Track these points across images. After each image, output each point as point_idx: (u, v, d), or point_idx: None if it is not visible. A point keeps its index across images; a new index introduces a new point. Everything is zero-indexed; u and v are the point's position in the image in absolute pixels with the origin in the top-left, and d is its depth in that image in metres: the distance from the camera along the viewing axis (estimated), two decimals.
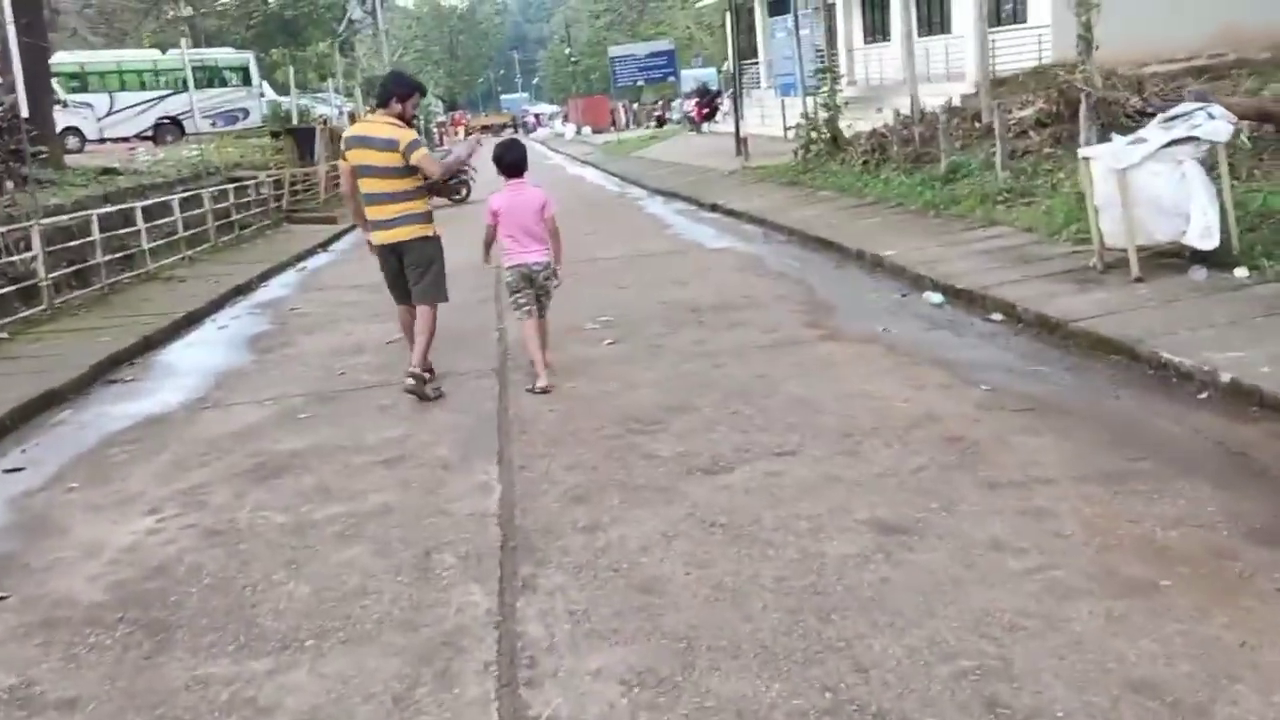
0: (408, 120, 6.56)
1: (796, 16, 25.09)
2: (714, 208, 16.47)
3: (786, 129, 26.84)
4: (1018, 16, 23.64)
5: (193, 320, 10.37)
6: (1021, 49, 22.31)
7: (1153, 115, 12.39)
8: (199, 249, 15.44)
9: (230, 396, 7.13)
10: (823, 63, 26.16)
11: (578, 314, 8.67)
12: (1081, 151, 7.29)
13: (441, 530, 4.25)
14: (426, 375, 6.49)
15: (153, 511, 4.90)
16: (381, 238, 6.71)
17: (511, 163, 6.53)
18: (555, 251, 6.66)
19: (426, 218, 6.70)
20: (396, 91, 6.55)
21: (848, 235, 11.00)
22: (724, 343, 7.20)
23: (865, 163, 16.45)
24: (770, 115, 28.51)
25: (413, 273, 6.72)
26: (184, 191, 16.70)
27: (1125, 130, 11.90)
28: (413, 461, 5.21)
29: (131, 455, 5.89)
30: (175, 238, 14.79)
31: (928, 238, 10.19)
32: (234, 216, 17.91)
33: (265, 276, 13.50)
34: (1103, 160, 6.94)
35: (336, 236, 18.77)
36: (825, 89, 18.66)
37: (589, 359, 7.08)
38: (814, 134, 18.49)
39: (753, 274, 10.06)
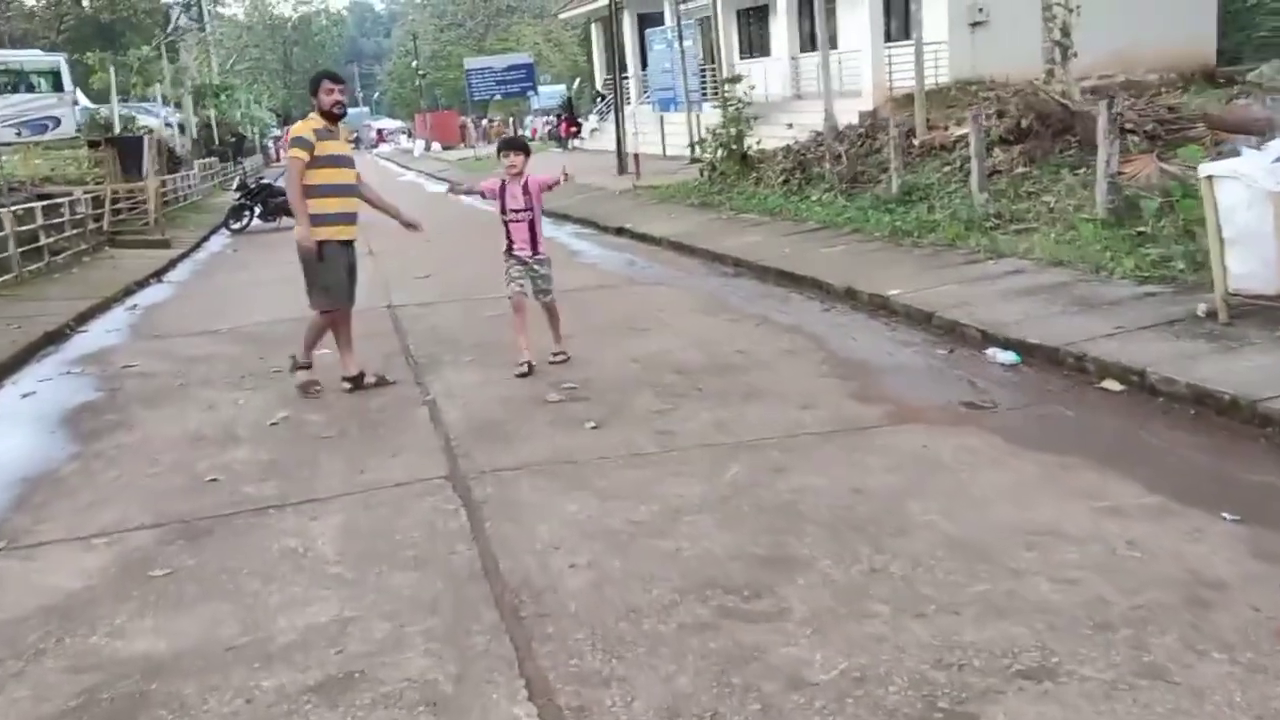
0: (323, 112, 6.36)
1: (680, 27, 23.54)
2: (621, 231, 14.54)
3: (665, 146, 25.32)
4: (909, 33, 22.72)
5: None
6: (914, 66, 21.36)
7: (1133, 132, 11.22)
8: None
9: (38, 526, 4.70)
10: (704, 77, 24.79)
11: (532, 377, 6.58)
12: (1204, 169, 5.71)
13: None
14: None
15: None
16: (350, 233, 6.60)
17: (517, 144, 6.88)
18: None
19: None
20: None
21: (819, 268, 9.24)
22: (757, 425, 5.25)
23: (785, 182, 14.87)
24: (646, 132, 26.87)
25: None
26: None
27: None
28: (371, 688, 3.02)
29: None
30: None
31: (926, 271, 8.53)
32: (43, 240, 14.83)
33: (85, 318, 10.74)
34: (1244, 180, 5.35)
35: (172, 263, 15.88)
36: (731, 102, 16.98)
37: (578, 456, 5.00)
38: (721, 151, 16.78)
39: (724, 318, 8.16)
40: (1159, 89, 14.41)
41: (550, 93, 51.30)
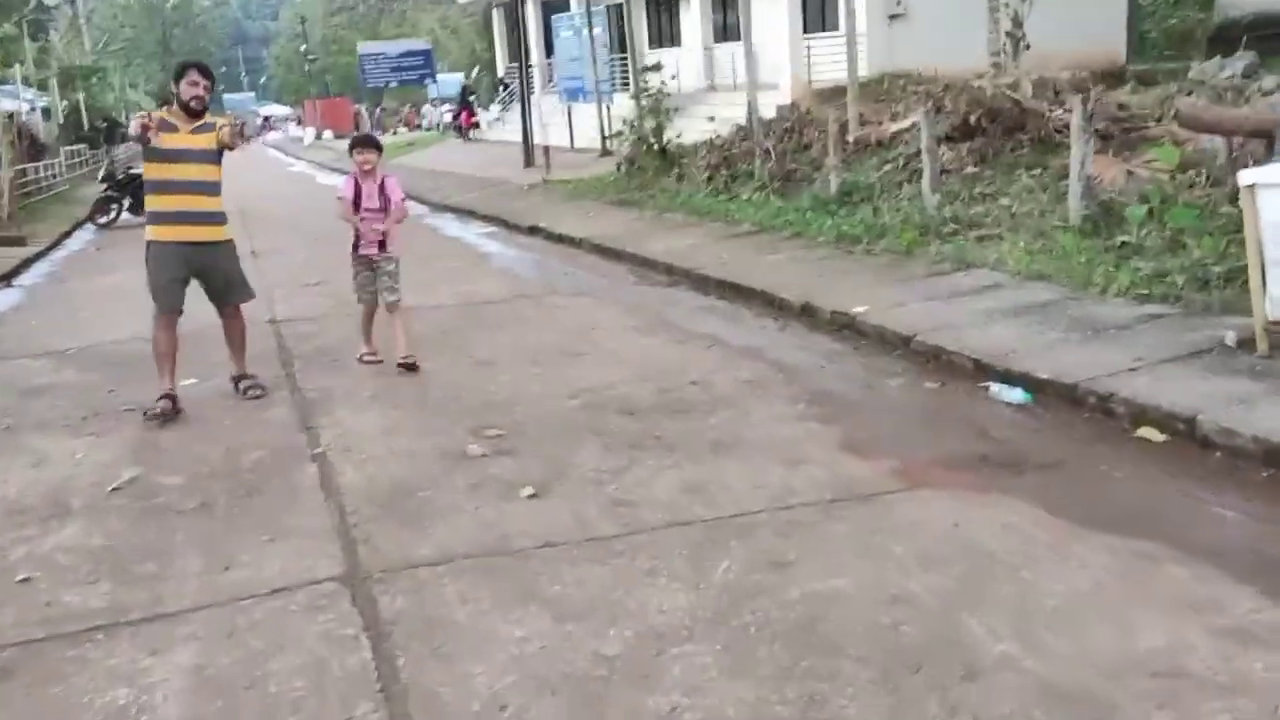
0: (181, 103, 5.85)
1: (590, 13, 22.38)
2: (534, 231, 13.37)
3: (574, 138, 24.12)
4: (827, 24, 22.02)
5: None
6: (837, 58, 20.72)
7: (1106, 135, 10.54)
8: None
9: None
10: (614, 66, 23.71)
11: (446, 419, 5.42)
12: (1247, 176, 4.87)
13: None
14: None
15: None
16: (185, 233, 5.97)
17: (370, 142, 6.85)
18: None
19: None
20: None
21: (766, 279, 8.27)
22: (738, 492, 4.21)
23: (710, 179, 13.90)
24: (553, 123, 25.65)
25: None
26: None
27: (1062, 149, 9.96)
28: None
29: None
30: None
31: (888, 284, 7.62)
32: None
33: None
34: None
35: (25, 264, 14.09)
36: (649, 93, 15.95)
37: (516, 541, 3.88)
38: (642, 145, 15.73)
39: (669, 338, 7.10)
40: (1085, 86, 13.90)
41: (448, 81, 49.45)
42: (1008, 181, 9.53)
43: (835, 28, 21.70)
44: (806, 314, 7.32)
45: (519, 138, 23.86)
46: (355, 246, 6.67)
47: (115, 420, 5.90)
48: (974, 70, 15.48)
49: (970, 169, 10.08)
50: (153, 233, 5.92)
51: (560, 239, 12.48)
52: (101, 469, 5.04)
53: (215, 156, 5.90)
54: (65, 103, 36.55)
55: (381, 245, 6.64)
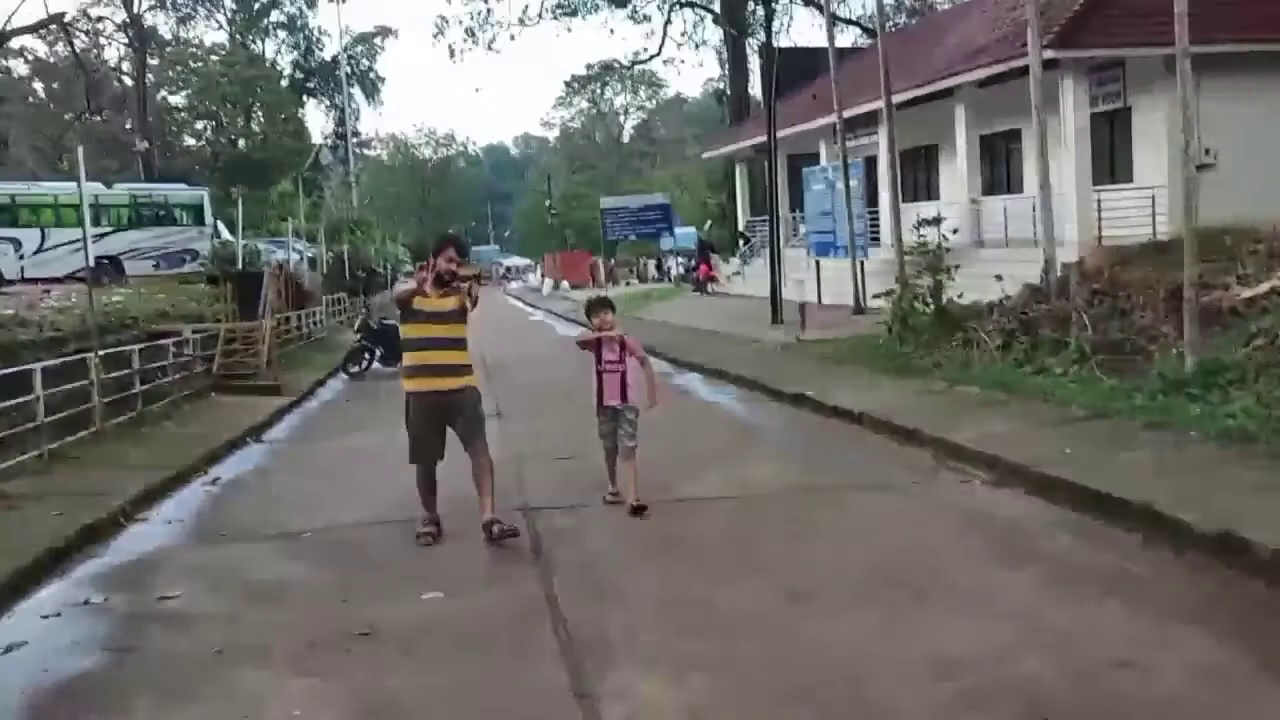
0: (437, 275, 6.52)
1: (846, 164, 21.33)
2: (799, 400, 11.87)
3: (822, 294, 22.81)
4: (1117, 174, 19.96)
5: None
6: (1127, 214, 18.64)
7: None
8: (76, 436, 10.49)
9: None
10: (868, 219, 22.41)
11: (771, 696, 3.88)
12: None
13: None
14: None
15: None
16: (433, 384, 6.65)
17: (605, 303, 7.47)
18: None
19: None
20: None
21: (1143, 490, 6.29)
22: None
23: (1007, 346, 12.07)
24: (800, 278, 24.47)
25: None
26: (62, 355, 11.90)
27: None
28: None
29: None
30: (33, 425, 9.85)
31: None
32: (137, 387, 12.96)
33: (152, 497, 8.52)
34: None
35: (279, 414, 13.84)
36: (924, 247, 14.41)
37: None
38: (918, 305, 14.13)
39: (1041, 575, 5.27)
40: None
41: (682, 235, 49.94)
42: None
43: (1127, 179, 19.65)
44: (1226, 548, 5.36)
45: (759, 291, 22.83)
46: (599, 399, 7.14)
47: (345, 653, 4.71)
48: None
49: None
50: (408, 385, 6.66)
51: (834, 411, 10.90)
52: None
53: (460, 315, 6.56)
54: (331, 253, 38.82)
55: (623, 395, 7.07)
